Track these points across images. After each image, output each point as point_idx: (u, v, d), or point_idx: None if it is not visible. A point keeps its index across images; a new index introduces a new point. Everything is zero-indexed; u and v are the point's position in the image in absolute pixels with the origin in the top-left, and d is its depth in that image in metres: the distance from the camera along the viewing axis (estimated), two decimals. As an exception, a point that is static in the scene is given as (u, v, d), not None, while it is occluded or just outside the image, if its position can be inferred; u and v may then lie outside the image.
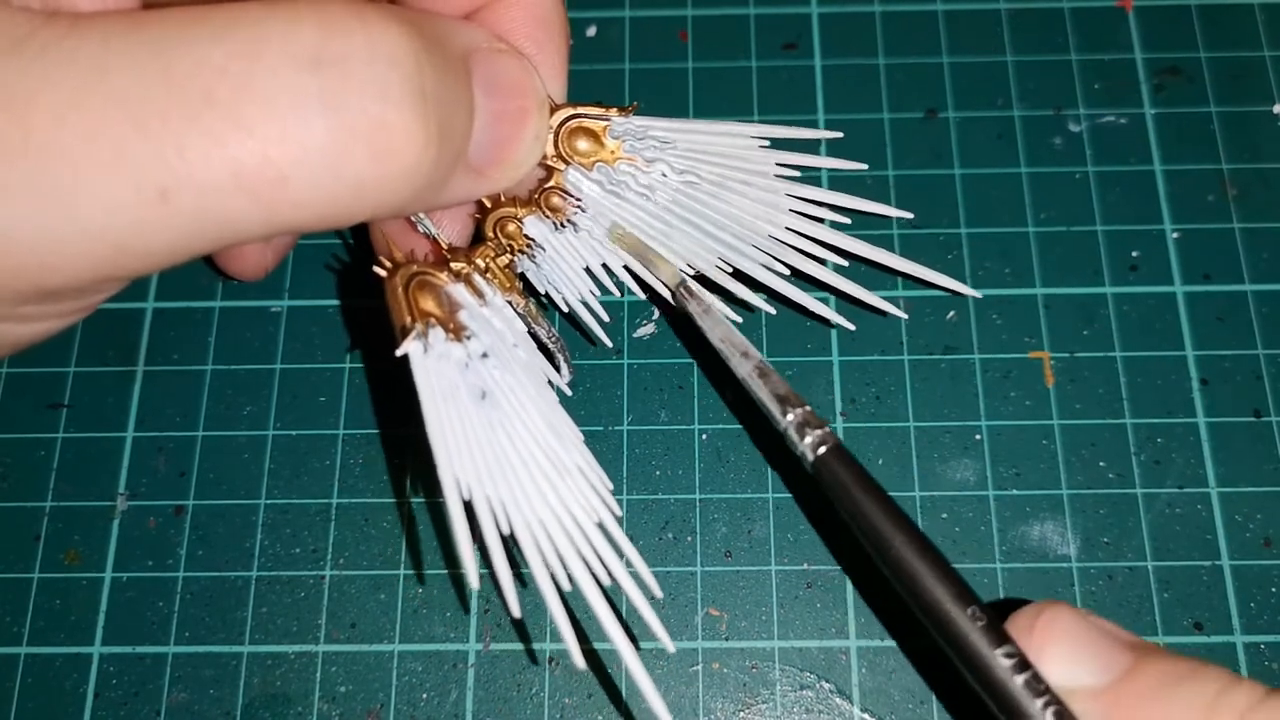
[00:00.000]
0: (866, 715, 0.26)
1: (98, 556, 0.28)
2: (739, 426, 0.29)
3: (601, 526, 0.22)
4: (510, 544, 0.21)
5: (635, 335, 0.30)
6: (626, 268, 0.27)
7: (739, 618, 0.27)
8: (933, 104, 0.32)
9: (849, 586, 0.27)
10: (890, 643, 0.27)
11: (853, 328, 0.29)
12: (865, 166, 0.29)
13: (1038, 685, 0.20)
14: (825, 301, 0.29)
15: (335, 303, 0.30)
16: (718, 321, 0.25)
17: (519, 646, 0.27)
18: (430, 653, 0.27)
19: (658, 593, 0.23)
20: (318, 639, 0.27)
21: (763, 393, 0.24)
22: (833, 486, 0.22)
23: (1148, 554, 0.27)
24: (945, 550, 0.28)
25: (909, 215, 0.28)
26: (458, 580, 0.27)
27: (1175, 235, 0.31)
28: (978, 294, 0.29)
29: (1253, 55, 0.33)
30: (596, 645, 0.27)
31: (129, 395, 0.30)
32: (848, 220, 0.27)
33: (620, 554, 0.22)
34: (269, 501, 0.28)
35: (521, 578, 0.27)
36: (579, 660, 0.21)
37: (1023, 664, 0.20)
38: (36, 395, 0.30)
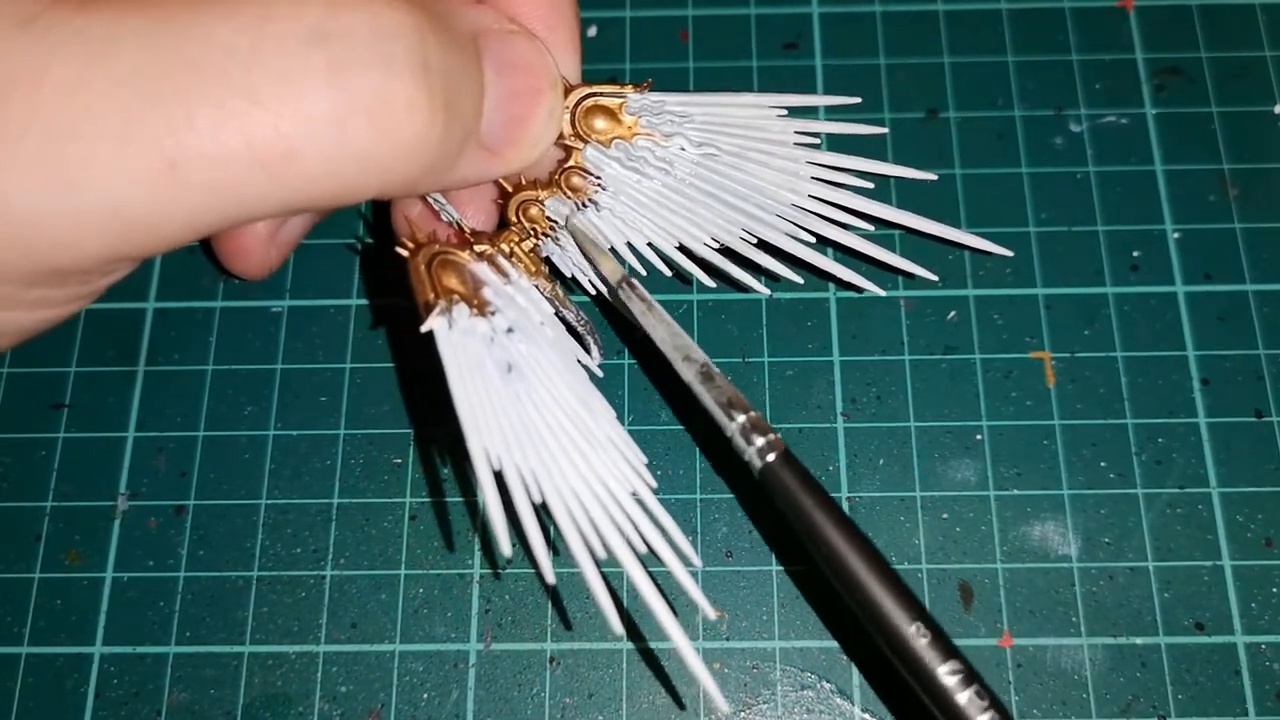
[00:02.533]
0: (867, 715, 0.26)
1: (98, 556, 0.28)
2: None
3: (636, 497, 0.22)
4: (541, 513, 0.21)
5: (636, 335, 0.30)
6: (651, 245, 0.27)
7: (739, 618, 0.27)
8: (933, 104, 0.32)
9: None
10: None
11: (882, 292, 0.29)
12: (885, 131, 0.29)
13: (981, 701, 0.20)
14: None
15: (336, 303, 0.30)
16: (661, 320, 0.24)
17: (520, 646, 0.27)
18: (431, 653, 0.27)
19: (696, 562, 0.23)
20: (318, 639, 0.27)
21: (707, 398, 0.23)
22: (780, 494, 0.22)
23: (1148, 554, 0.27)
24: (946, 550, 0.28)
25: (933, 177, 0.28)
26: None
27: (1176, 235, 0.31)
28: (1009, 252, 0.29)
29: (1253, 55, 0.33)
30: (598, 645, 0.27)
31: (130, 395, 0.30)
32: (871, 185, 0.27)
33: (658, 525, 0.22)
34: (269, 501, 0.28)
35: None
36: (617, 626, 0.20)
37: (968, 678, 0.20)
38: (37, 395, 0.30)
